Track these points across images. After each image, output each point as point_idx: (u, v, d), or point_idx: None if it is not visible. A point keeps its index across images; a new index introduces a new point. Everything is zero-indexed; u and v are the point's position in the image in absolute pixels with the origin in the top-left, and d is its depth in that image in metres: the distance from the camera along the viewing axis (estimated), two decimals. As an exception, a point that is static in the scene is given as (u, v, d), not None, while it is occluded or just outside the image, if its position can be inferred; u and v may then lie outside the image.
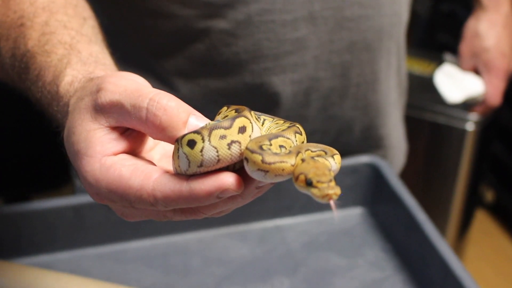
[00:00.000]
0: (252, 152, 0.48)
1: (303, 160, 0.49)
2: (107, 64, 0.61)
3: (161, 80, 0.96)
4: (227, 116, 0.52)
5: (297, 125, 0.53)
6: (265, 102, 0.95)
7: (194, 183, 0.48)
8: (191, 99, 0.95)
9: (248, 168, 0.48)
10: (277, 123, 0.54)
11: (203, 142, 0.48)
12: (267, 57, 0.93)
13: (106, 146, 0.51)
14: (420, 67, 1.72)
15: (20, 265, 0.85)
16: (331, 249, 0.94)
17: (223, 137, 0.48)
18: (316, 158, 0.50)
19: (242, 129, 0.49)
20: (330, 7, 0.92)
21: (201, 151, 0.48)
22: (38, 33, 0.64)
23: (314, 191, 0.47)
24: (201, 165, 0.48)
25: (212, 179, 0.48)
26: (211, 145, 0.48)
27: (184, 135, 0.49)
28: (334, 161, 0.50)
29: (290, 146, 0.51)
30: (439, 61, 1.70)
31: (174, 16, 0.90)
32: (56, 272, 0.84)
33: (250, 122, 0.50)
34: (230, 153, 0.49)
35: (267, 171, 0.47)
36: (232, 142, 0.49)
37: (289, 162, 0.48)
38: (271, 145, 0.49)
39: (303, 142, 0.53)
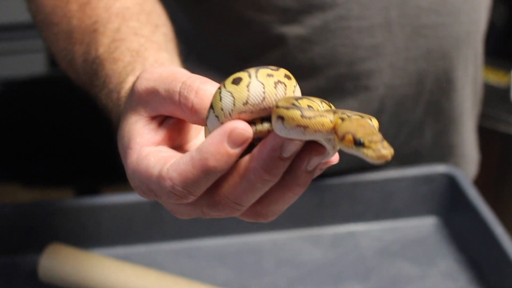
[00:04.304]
0: (288, 108, 0.44)
1: (342, 120, 0.45)
2: None
3: None
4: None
5: (325, 101, 0.50)
6: (338, 106, 0.95)
7: (201, 144, 0.45)
8: None
9: (283, 128, 0.44)
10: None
11: (250, 78, 0.46)
12: (342, 63, 0.92)
13: (145, 137, 0.50)
14: (495, 77, 1.68)
15: (98, 255, 0.88)
16: (404, 258, 0.93)
17: (270, 75, 0.46)
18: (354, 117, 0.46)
19: (288, 76, 0.47)
20: (407, 14, 0.91)
21: (248, 85, 0.46)
22: (109, 39, 0.64)
23: (367, 151, 0.43)
24: (246, 103, 0.46)
25: (217, 130, 0.45)
26: (258, 80, 0.46)
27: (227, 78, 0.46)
28: (372, 123, 0.47)
29: (317, 109, 0.48)
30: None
31: (252, 22, 0.91)
32: (133, 264, 0.87)
33: (296, 82, 0.49)
34: (275, 93, 0.46)
35: (307, 127, 0.44)
36: (279, 81, 0.46)
37: (328, 117, 0.45)
38: (300, 104, 0.46)
39: None
